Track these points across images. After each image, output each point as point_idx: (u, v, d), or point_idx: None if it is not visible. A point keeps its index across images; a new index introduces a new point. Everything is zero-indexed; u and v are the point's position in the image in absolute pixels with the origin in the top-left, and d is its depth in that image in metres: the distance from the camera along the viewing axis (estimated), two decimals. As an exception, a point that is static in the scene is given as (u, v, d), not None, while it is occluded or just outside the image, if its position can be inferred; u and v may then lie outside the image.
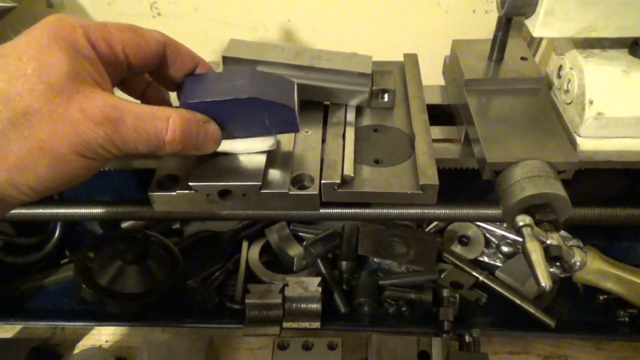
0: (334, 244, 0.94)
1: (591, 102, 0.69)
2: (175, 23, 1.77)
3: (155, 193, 0.66)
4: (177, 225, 1.04)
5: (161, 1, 1.73)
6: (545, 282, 0.50)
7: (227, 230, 1.01)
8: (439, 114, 0.85)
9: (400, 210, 0.75)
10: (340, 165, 0.68)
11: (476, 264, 0.95)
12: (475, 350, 0.78)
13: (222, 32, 1.81)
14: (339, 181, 0.65)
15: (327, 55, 0.79)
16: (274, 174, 0.67)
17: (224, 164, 0.67)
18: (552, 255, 0.56)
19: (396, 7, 1.67)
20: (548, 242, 0.57)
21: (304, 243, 0.96)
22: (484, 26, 1.73)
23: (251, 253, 0.98)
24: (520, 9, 0.66)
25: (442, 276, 0.90)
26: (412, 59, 0.89)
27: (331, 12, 1.70)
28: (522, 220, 0.56)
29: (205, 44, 1.82)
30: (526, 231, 0.55)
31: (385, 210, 0.75)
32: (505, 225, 1.00)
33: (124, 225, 0.99)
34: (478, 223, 1.01)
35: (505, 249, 0.96)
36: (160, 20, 1.74)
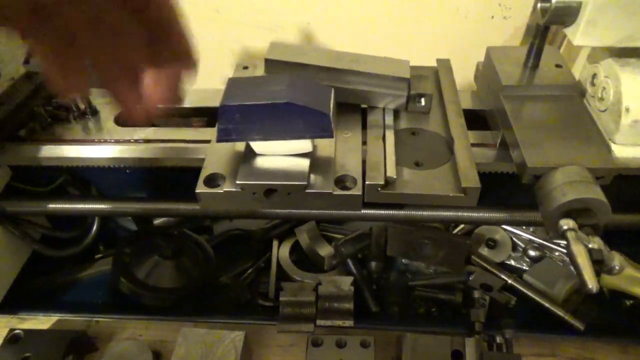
0: (363, 244, 0.96)
1: (627, 110, 0.71)
2: (197, 24, 1.78)
3: (203, 191, 0.68)
4: (208, 223, 1.05)
5: (183, 2, 1.76)
6: (592, 284, 0.52)
7: (257, 228, 1.03)
8: (471, 119, 0.86)
9: (437, 212, 0.77)
10: (382, 166, 0.70)
11: (503, 267, 0.96)
12: (508, 351, 0.79)
13: (242, 33, 1.83)
14: (382, 182, 0.67)
15: (366, 59, 0.81)
16: (318, 174, 0.69)
17: (270, 165, 0.69)
18: (594, 259, 0.57)
19: (415, 12, 1.69)
20: (590, 246, 0.58)
21: (333, 243, 0.98)
22: (503, 32, 1.74)
23: (281, 251, 1.00)
24: (562, 17, 0.68)
25: (470, 278, 0.92)
26: (445, 65, 0.91)
27: (350, 16, 1.72)
28: (567, 224, 0.58)
29: (225, 44, 1.84)
30: (571, 235, 0.57)
31: (422, 212, 0.77)
32: (532, 229, 1.01)
33: (157, 222, 1.01)
34: (505, 227, 1.02)
35: (532, 252, 0.97)
36: (182, 21, 1.77)
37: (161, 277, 0.88)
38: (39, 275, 0.96)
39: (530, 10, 1.70)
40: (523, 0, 1.64)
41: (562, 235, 0.58)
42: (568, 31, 0.70)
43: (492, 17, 1.72)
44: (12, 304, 0.91)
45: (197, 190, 0.68)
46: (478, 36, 1.74)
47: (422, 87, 0.81)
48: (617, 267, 0.61)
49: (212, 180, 0.70)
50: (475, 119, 0.86)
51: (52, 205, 0.85)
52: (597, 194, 0.61)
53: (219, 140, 0.68)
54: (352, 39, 1.78)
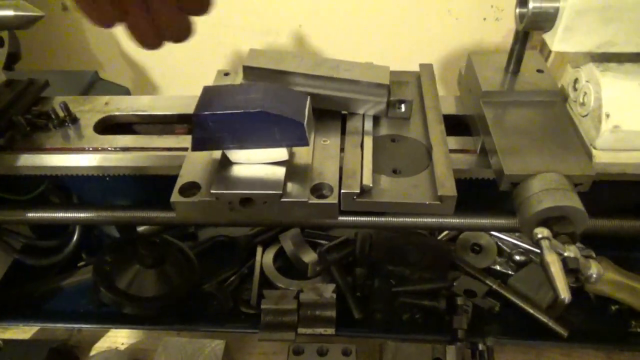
0: (348, 250, 0.95)
1: (608, 116, 0.70)
2: (189, 27, 1.79)
3: (178, 200, 0.68)
4: (192, 229, 1.05)
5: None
6: (564, 294, 0.51)
7: (241, 235, 1.02)
8: (454, 124, 0.85)
9: (416, 219, 0.76)
10: (359, 174, 0.69)
11: (489, 272, 0.95)
12: (489, 359, 0.78)
13: (235, 36, 1.83)
14: (358, 191, 0.66)
15: (346, 65, 0.80)
16: (294, 182, 0.69)
17: (246, 173, 0.69)
18: (569, 268, 0.57)
19: (407, 14, 1.69)
20: (565, 254, 0.58)
21: (318, 249, 0.97)
22: (495, 33, 1.74)
23: (265, 258, 0.99)
24: (539, 23, 0.67)
25: (455, 284, 0.91)
26: (428, 70, 0.91)
27: (342, 18, 1.72)
28: (541, 232, 0.57)
29: (219, 48, 1.85)
30: (545, 244, 0.56)
31: (401, 219, 0.76)
32: (517, 234, 1.01)
33: (140, 229, 1.01)
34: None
35: (517, 257, 0.97)
36: (173, 24, 1.77)
37: (143, 286, 0.87)
38: (21, 285, 0.95)
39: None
40: (515, 1, 1.65)
41: (536, 243, 0.57)
42: (546, 37, 0.70)
43: (485, 18, 1.72)
44: (-6, 314, 0.91)
45: (172, 200, 0.67)
46: (470, 37, 1.74)
47: (402, 93, 0.80)
48: (594, 276, 0.60)
49: (188, 189, 0.69)
50: (458, 125, 0.86)
51: (32, 214, 0.84)
52: (573, 201, 0.61)
53: (193, 149, 0.68)
54: (344, 41, 1.78)
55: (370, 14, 1.70)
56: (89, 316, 0.92)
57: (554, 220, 0.61)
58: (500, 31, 1.73)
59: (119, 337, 0.92)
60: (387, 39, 1.75)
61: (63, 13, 1.75)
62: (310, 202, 0.66)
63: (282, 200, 0.66)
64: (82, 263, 0.99)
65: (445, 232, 1.02)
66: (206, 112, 0.64)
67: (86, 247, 1.00)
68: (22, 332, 0.92)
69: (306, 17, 1.76)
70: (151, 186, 0.88)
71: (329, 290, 0.86)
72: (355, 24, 1.73)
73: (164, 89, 1.97)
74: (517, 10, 0.70)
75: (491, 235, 1.01)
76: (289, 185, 0.68)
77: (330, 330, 0.83)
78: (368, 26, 1.73)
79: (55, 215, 0.85)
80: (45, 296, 0.95)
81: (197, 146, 0.67)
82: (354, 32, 1.75)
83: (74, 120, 0.88)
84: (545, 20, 0.67)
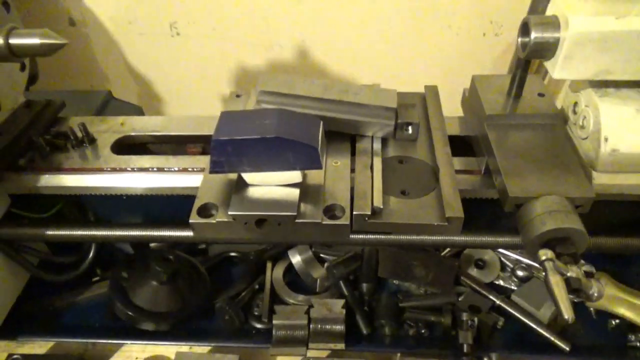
0: (355, 266, 0.98)
1: (606, 139, 0.73)
2: (194, 42, 1.83)
3: (196, 221, 0.70)
4: (203, 246, 1.07)
5: (181, 21, 1.79)
6: (568, 314, 0.54)
7: (251, 251, 1.05)
8: (458, 145, 0.89)
9: (423, 237, 0.79)
10: (369, 196, 0.72)
11: (492, 287, 0.98)
12: (494, 373, 0.81)
13: (239, 50, 1.87)
14: (369, 212, 0.69)
15: (355, 89, 0.83)
16: (307, 204, 0.72)
17: (261, 195, 0.72)
18: (572, 288, 0.60)
19: (408, 28, 1.73)
20: (568, 274, 0.61)
21: (326, 265, 1.00)
22: (494, 48, 1.78)
23: (275, 274, 1.02)
24: (541, 52, 0.71)
25: (460, 299, 0.94)
26: (433, 91, 0.94)
27: (344, 32, 1.76)
28: (545, 254, 0.60)
29: (223, 61, 1.88)
30: (549, 265, 0.59)
31: (409, 237, 0.79)
32: (520, 250, 1.03)
33: (153, 245, 1.03)
34: (494, 247, 1.04)
35: (520, 273, 0.99)
36: (179, 39, 1.80)
37: (157, 302, 0.90)
38: (37, 300, 0.97)
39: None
40: (514, 17, 1.69)
41: (541, 264, 0.60)
42: (548, 65, 0.73)
43: (484, 34, 1.76)
44: (11, 329, 0.93)
45: (190, 220, 0.70)
46: (470, 52, 1.78)
47: (409, 116, 0.84)
48: (595, 295, 0.63)
49: (205, 210, 0.72)
50: (462, 145, 0.89)
51: (50, 232, 0.87)
52: (575, 223, 0.64)
53: (211, 172, 0.71)
54: (346, 55, 1.82)
55: (371, 28, 1.74)
56: (103, 331, 0.94)
57: (557, 241, 0.64)
58: (499, 46, 1.77)
59: (133, 352, 0.94)
60: (389, 53, 1.78)
61: (69, 28, 1.78)
62: (323, 223, 0.69)
63: (297, 221, 0.69)
64: (96, 278, 1.01)
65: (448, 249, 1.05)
66: (225, 138, 0.67)
67: (99, 262, 1.02)
68: (39, 346, 0.94)
69: (309, 32, 1.80)
70: (166, 203, 0.90)
71: (338, 306, 0.89)
72: (357, 38, 1.77)
73: (169, 103, 2.00)
74: (519, 40, 0.74)
75: (494, 250, 1.04)
76: (303, 207, 0.71)
77: (340, 345, 0.86)
78: (370, 40, 1.77)
79: (73, 233, 0.88)
80: (61, 311, 0.97)
81: (215, 169, 0.70)
82: (356, 46, 1.79)
83: (92, 140, 0.91)
84: (546, 50, 0.70)
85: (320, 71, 1.86)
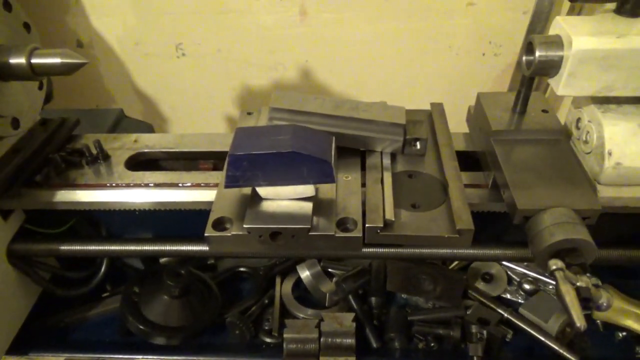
0: (363, 280, 0.99)
1: (610, 154, 0.76)
2: (200, 63, 1.87)
3: (212, 234, 0.72)
4: (212, 261, 1.08)
5: (186, 42, 1.84)
6: (580, 322, 0.55)
7: (260, 266, 1.06)
8: (463, 160, 0.91)
9: (434, 250, 0.80)
10: (381, 209, 0.74)
11: (499, 300, 0.99)
12: (505, 385, 0.82)
13: (243, 71, 1.90)
14: (381, 225, 0.71)
15: (364, 106, 0.86)
16: (320, 217, 0.73)
17: (275, 209, 0.73)
18: (582, 297, 0.61)
19: (409, 49, 1.77)
20: (578, 284, 0.62)
21: (334, 279, 1.01)
22: (493, 68, 1.82)
23: (284, 288, 1.03)
24: (545, 70, 0.73)
25: (468, 312, 0.95)
26: (438, 108, 0.96)
27: (346, 53, 1.80)
28: (555, 264, 0.62)
29: (228, 82, 1.92)
30: (559, 275, 0.61)
31: (419, 250, 0.81)
32: (526, 263, 1.05)
33: (163, 260, 1.05)
34: (500, 261, 1.05)
35: (527, 286, 1.01)
36: (185, 60, 1.84)
37: (168, 316, 0.91)
38: (48, 316, 0.98)
39: (519, 47, 1.76)
40: (513, 38, 1.73)
41: (551, 274, 0.62)
42: (552, 82, 0.76)
43: (484, 54, 1.81)
44: (22, 345, 0.93)
45: (206, 234, 0.72)
46: (470, 72, 1.82)
47: (418, 132, 0.86)
48: (604, 304, 0.64)
49: (220, 224, 0.74)
50: (468, 160, 0.91)
51: (65, 247, 0.89)
52: (583, 234, 0.66)
53: (227, 186, 0.73)
54: (348, 75, 1.85)
55: (373, 50, 1.78)
56: (114, 346, 0.95)
57: (565, 252, 0.66)
58: (498, 65, 1.81)
59: (144, 367, 0.94)
60: (391, 73, 1.82)
61: (77, 50, 1.82)
62: (337, 235, 0.71)
63: (310, 233, 0.71)
64: (106, 294, 1.02)
65: (456, 262, 1.06)
66: (241, 153, 0.69)
67: (109, 278, 1.03)
68: (50, 362, 0.94)
69: (312, 53, 1.84)
70: (179, 218, 0.92)
71: (348, 319, 0.90)
72: (359, 59, 1.81)
73: (175, 122, 2.03)
74: (524, 58, 0.76)
75: (501, 264, 1.05)
76: (316, 220, 0.73)
77: (351, 359, 0.86)
78: (372, 60, 1.81)
79: (85, 248, 0.90)
80: (73, 326, 0.98)
81: (230, 183, 0.72)
82: (359, 66, 1.83)
83: (106, 157, 0.93)
84: (550, 67, 0.73)
85: (323, 91, 1.89)
